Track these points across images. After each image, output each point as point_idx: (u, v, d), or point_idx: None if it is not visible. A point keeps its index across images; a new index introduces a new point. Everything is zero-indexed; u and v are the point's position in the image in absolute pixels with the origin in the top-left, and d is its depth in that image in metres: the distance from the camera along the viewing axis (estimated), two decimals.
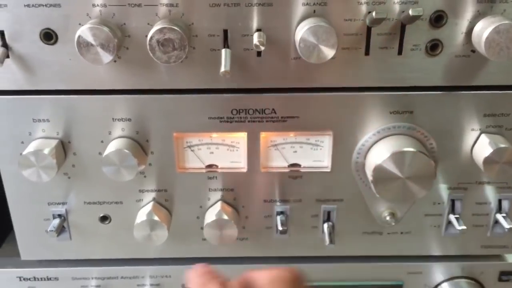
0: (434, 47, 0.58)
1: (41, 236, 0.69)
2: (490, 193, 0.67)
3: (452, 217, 0.67)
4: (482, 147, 0.62)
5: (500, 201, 0.68)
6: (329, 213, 0.68)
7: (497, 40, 0.53)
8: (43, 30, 0.57)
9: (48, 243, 0.70)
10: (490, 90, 0.61)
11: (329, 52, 0.54)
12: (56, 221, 0.67)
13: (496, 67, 0.59)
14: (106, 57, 0.54)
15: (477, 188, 0.67)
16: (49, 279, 0.72)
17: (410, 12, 0.53)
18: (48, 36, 0.57)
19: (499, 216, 0.68)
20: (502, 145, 0.61)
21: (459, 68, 0.59)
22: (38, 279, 0.72)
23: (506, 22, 0.53)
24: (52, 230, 0.66)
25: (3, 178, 0.65)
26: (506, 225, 0.67)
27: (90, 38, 0.53)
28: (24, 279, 0.72)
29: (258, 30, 0.57)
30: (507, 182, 0.67)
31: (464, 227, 0.66)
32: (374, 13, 0.53)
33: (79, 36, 0.53)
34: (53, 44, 0.58)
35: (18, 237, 0.70)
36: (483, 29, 0.54)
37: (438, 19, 0.57)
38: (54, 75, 0.59)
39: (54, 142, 0.62)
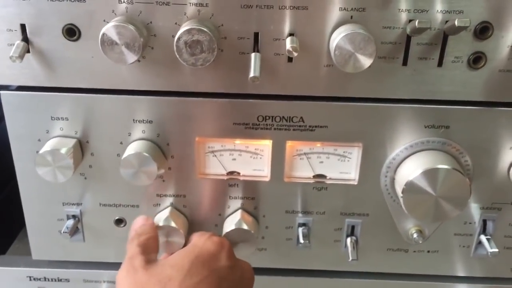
0: (477, 60, 0.55)
1: (53, 236, 0.67)
2: None
3: (483, 238, 0.64)
4: None
5: None
6: (353, 227, 0.66)
7: None
8: (66, 25, 0.54)
9: (60, 244, 0.68)
10: None
11: (366, 62, 0.51)
12: (70, 222, 0.65)
13: None
14: (131, 57, 0.52)
15: None
16: (59, 280, 0.70)
17: (456, 22, 0.49)
18: (71, 32, 0.55)
19: None
20: None
21: (502, 83, 0.56)
22: (48, 280, 0.70)
23: None
24: (65, 232, 0.64)
25: (18, 175, 0.63)
26: None
27: (115, 37, 0.51)
28: (34, 279, 0.70)
29: (291, 34, 0.54)
30: None
31: (496, 250, 0.62)
32: (416, 22, 0.50)
33: (103, 34, 0.51)
34: (75, 40, 0.55)
35: (30, 236, 0.68)
36: None
37: (483, 31, 0.53)
38: (75, 73, 0.57)
39: (71, 142, 0.60)
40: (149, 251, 0.55)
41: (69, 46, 0.55)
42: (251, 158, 0.63)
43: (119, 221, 0.66)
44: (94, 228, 0.67)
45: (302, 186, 0.63)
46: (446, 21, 0.52)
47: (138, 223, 0.59)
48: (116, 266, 0.69)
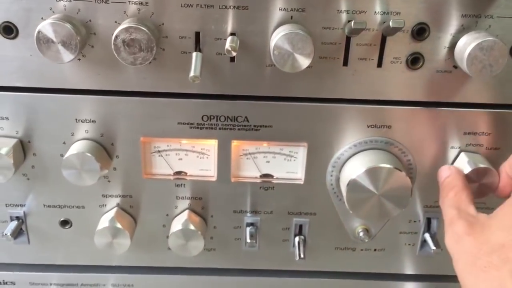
0: (415, 60, 0.56)
1: None
2: None
3: (427, 236, 0.65)
4: (461, 166, 0.59)
5: None
6: (301, 226, 0.66)
7: (480, 57, 0.51)
8: (3, 23, 0.53)
9: (4, 246, 0.66)
10: (472, 108, 0.59)
11: (304, 62, 0.51)
12: (13, 224, 0.64)
13: (478, 85, 0.57)
14: (67, 56, 0.51)
15: None
16: (5, 283, 0.69)
17: (391, 23, 0.50)
18: (8, 30, 0.54)
19: None
20: (481, 165, 0.58)
21: (440, 84, 0.57)
22: None
23: (490, 38, 0.51)
24: (7, 234, 0.63)
25: None
26: None
27: (51, 34, 0.50)
28: None
29: (232, 34, 0.54)
30: (485, 202, 0.64)
31: (439, 249, 0.63)
32: (352, 23, 0.51)
33: (39, 32, 0.50)
34: (13, 38, 0.54)
35: None
36: (466, 45, 0.52)
37: (420, 32, 0.54)
38: (14, 71, 0.56)
39: (12, 142, 0.59)
40: (464, 207, 0.49)
41: (6, 44, 0.54)
42: (198, 158, 0.63)
43: (65, 223, 0.65)
44: (39, 230, 0.66)
45: (250, 186, 0.63)
46: (384, 22, 0.53)
47: (443, 174, 0.53)
48: (63, 268, 0.69)
